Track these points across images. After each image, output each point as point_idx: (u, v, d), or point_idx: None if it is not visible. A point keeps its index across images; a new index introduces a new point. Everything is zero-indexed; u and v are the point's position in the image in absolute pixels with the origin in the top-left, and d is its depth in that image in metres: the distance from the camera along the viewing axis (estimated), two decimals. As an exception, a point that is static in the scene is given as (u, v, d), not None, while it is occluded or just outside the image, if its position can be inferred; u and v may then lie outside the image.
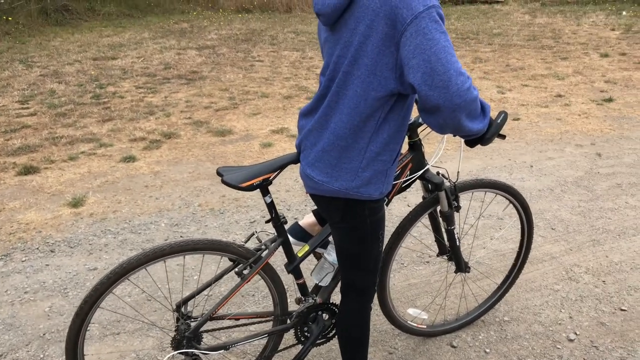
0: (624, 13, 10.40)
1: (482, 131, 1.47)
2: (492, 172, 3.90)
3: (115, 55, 7.87)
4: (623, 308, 2.45)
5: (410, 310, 2.26)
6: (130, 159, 4.19)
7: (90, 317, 1.61)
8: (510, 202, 2.23)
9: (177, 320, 1.75)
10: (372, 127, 1.45)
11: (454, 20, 10.75)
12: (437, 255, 2.23)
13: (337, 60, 1.42)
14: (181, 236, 3.09)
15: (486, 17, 11.01)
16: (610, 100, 5.47)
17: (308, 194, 1.66)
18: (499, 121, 1.60)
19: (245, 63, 7.48)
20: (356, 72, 1.37)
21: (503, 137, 1.73)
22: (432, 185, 2.00)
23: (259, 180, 1.71)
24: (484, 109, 1.46)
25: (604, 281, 2.65)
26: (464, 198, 3.28)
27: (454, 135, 1.46)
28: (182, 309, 1.75)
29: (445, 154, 4.09)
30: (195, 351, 1.76)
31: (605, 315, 2.40)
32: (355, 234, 1.64)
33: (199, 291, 1.78)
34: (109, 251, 2.94)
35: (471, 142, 1.59)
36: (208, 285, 1.76)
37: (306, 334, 1.97)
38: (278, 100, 5.73)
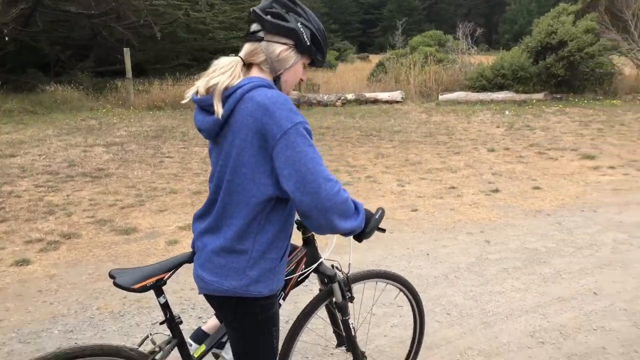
0: (507, 112, 11.61)
1: (358, 228, 1.62)
2: (392, 261, 4.09)
3: (14, 153, 7.62)
4: (511, 388, 2.59)
5: None
6: (23, 262, 3.99)
7: None
8: (400, 290, 2.37)
9: None
10: (255, 228, 1.56)
11: (359, 119, 11.48)
12: (336, 347, 2.30)
13: (220, 170, 1.58)
14: (75, 343, 2.94)
15: (387, 116, 11.85)
16: (496, 191, 5.99)
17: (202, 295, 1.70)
18: (377, 217, 1.77)
19: (155, 159, 7.49)
20: (237, 180, 1.53)
21: (383, 230, 1.90)
22: (326, 278, 2.10)
23: (153, 281, 1.73)
24: (357, 207, 1.62)
25: (493, 363, 2.80)
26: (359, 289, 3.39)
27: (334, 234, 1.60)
28: None
29: (342, 246, 4.27)
30: None
31: (496, 396, 2.53)
32: (248, 331, 1.69)
33: None
34: (-7, 363, 2.73)
35: (355, 236, 1.72)
36: None
37: None
38: (187, 196, 5.76)
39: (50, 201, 5.47)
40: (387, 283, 2.34)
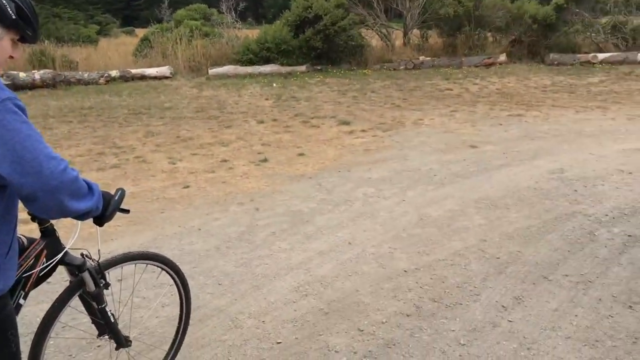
0: (275, 85, 12.18)
1: (94, 209, 1.58)
2: (163, 241, 4.05)
3: None
4: (279, 341, 2.82)
5: None
6: None
7: None
8: (162, 268, 2.38)
9: None
10: None
11: (126, 97, 10.88)
12: (98, 337, 2.22)
13: None
14: None
15: (157, 92, 11.46)
16: (265, 160, 6.29)
17: None
18: (116, 198, 1.76)
19: None
20: None
21: (127, 211, 1.87)
22: (75, 268, 2.00)
23: None
24: (90, 187, 1.56)
25: (263, 321, 3.00)
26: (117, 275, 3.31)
27: (69, 218, 1.52)
28: None
29: (101, 233, 4.10)
30: None
31: (265, 352, 2.72)
32: None
33: None
34: None
35: (95, 220, 1.68)
36: None
37: None
38: None
39: None
40: (147, 264, 2.32)
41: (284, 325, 2.96)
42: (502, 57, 15.03)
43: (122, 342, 2.23)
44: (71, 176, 1.43)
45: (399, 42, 16.72)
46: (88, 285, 2.02)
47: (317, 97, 10.72)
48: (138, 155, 6.52)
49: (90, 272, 2.02)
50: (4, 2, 1.45)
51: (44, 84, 11.84)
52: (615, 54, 14.89)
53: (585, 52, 15.28)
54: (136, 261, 2.26)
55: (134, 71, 13.35)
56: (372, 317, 3.01)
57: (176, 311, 2.78)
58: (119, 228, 4.30)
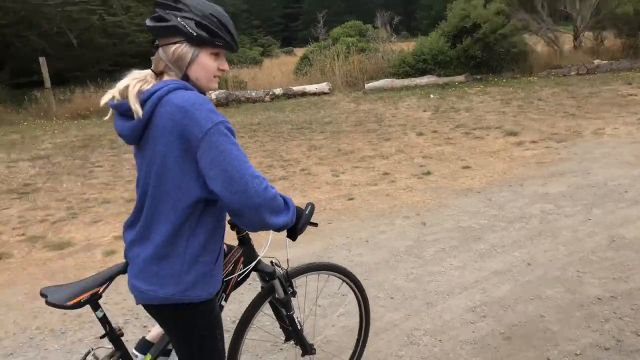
0: (432, 96, 11.99)
1: (290, 222, 1.64)
2: (333, 251, 4.15)
3: None
4: (458, 362, 2.71)
5: None
6: (-51, 290, 3.74)
7: None
8: (342, 280, 2.43)
9: None
10: (187, 232, 1.54)
11: (289, 113, 11.48)
12: (285, 342, 2.32)
13: (146, 176, 1.57)
14: (15, 369, 2.80)
15: (317, 108, 11.93)
16: (428, 173, 6.19)
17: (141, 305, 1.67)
18: (307, 212, 1.83)
19: (84, 170, 7.19)
20: (163, 186, 1.52)
21: (315, 224, 1.93)
22: (266, 275, 2.11)
23: (87, 296, 1.69)
24: (286, 203, 1.62)
25: (440, 340, 2.91)
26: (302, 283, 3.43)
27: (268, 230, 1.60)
28: None
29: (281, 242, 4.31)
30: None
31: (444, 372, 2.63)
32: (191, 337, 1.68)
33: None
34: None
35: (288, 233, 1.77)
36: None
37: None
38: (121, 205, 5.57)
39: (-29, 223, 5.15)
40: (329, 274, 2.38)
41: (462, 347, 2.84)
42: (696, 57, 13.18)
43: (307, 349, 2.31)
44: (271, 194, 1.50)
45: (568, 46, 15.51)
46: (278, 292, 2.13)
47: (478, 107, 10.32)
48: (303, 168, 6.81)
49: (280, 280, 2.12)
50: (182, 23, 1.51)
51: (219, 103, 12.98)
52: None
53: None
54: (320, 271, 2.34)
55: (295, 88, 14.06)
56: (563, 347, 2.76)
57: (353, 321, 2.82)
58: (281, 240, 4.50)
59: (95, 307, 1.72)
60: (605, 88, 11.13)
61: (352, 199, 5.49)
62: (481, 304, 3.26)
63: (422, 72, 13.89)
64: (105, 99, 1.59)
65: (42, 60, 12.68)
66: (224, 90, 13.43)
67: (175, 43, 1.54)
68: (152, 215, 1.56)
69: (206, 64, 1.57)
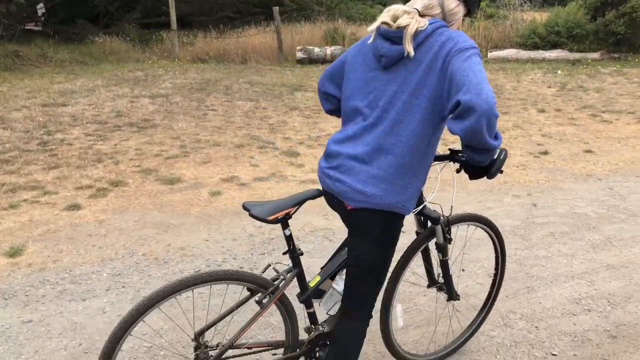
0: (559, 72, 11.11)
1: (492, 149, 1.64)
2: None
3: (65, 102, 7.80)
4: (554, 353, 2.55)
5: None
6: (74, 207, 4.12)
7: (121, 344, 1.68)
8: (488, 234, 2.46)
9: (196, 349, 1.86)
10: (424, 148, 1.71)
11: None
12: (428, 287, 2.41)
13: (393, 95, 1.70)
14: (123, 286, 3.04)
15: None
16: (546, 153, 5.79)
17: (350, 209, 1.80)
18: (501, 157, 1.79)
19: (199, 112, 7.54)
20: (416, 101, 1.66)
21: (502, 172, 1.87)
22: (430, 220, 2.17)
23: (283, 214, 1.87)
24: (497, 134, 1.64)
25: (536, 327, 2.76)
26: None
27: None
28: (200, 339, 1.85)
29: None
30: None
31: (537, 360, 2.49)
32: (386, 245, 1.84)
33: (217, 321, 1.90)
34: (46, 302, 2.87)
35: (476, 174, 1.83)
36: (226, 314, 1.89)
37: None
38: (229, 149, 5.79)
39: (99, 150, 5.61)
40: (477, 226, 2.41)
41: (560, 337, 2.67)
42: None
43: (453, 295, 2.38)
44: (496, 111, 1.54)
45: None
46: (438, 237, 2.22)
47: (610, 88, 9.42)
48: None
49: (442, 226, 2.20)
50: None
51: (333, 59, 12.95)
52: None
53: None
54: (471, 222, 2.37)
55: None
56: (678, 356, 2.50)
57: (488, 275, 2.85)
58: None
59: (285, 225, 1.90)
60: None
61: (460, 170, 5.28)
62: (587, 297, 3.03)
63: (553, 45, 12.88)
64: (373, 26, 1.77)
65: (171, 2, 13.30)
66: (340, 47, 13.35)
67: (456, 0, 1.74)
68: (392, 129, 1.70)
69: (459, 23, 1.81)
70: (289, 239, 1.92)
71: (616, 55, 12.51)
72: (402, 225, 1.84)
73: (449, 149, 2.06)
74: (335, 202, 1.87)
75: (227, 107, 7.95)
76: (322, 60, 12.97)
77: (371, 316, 1.96)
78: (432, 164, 1.89)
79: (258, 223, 3.94)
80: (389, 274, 2.02)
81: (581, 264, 3.40)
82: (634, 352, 2.54)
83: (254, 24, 16.01)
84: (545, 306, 2.94)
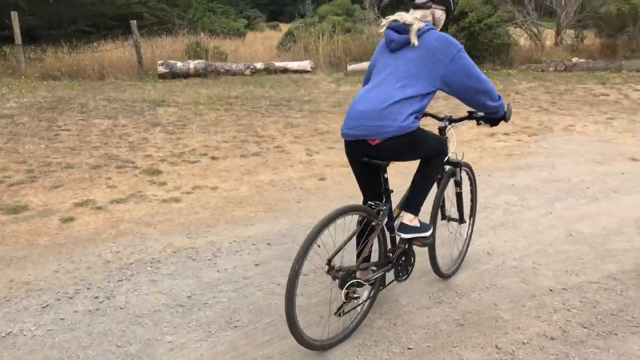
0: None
1: (498, 107, 2.81)
2: (299, 230, 4.12)
3: None
4: (410, 347, 2.72)
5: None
6: None
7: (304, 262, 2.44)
8: (469, 175, 3.48)
9: (328, 271, 2.58)
10: (415, 100, 2.60)
11: (268, 88, 11.35)
12: (442, 219, 3.29)
13: (396, 67, 2.64)
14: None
15: (297, 86, 11.82)
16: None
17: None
18: (510, 107, 2.94)
19: (49, 133, 7.00)
20: (411, 75, 2.60)
21: (506, 120, 2.96)
22: (452, 164, 3.20)
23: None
24: (498, 98, 2.81)
25: (394, 324, 2.92)
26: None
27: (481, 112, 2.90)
28: (331, 263, 2.57)
29: (242, 218, 4.24)
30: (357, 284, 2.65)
31: (395, 356, 2.64)
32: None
33: (340, 248, 2.62)
34: None
35: (494, 123, 2.98)
36: (346, 242, 2.65)
37: (399, 268, 2.97)
38: (84, 171, 5.45)
39: None
40: (465, 170, 3.38)
41: (415, 331, 2.85)
42: (672, 62, 13.37)
43: (463, 219, 3.41)
44: (492, 87, 2.72)
45: (549, 41, 15.61)
46: (457, 175, 3.23)
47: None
48: (278, 145, 6.75)
49: (460, 167, 3.25)
50: (452, 1, 2.79)
51: (197, 73, 12.76)
52: None
53: None
54: (465, 167, 3.37)
55: (277, 64, 13.89)
56: (512, 335, 2.79)
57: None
58: (258, 214, 4.47)
59: (384, 171, 2.76)
60: (579, 86, 11.25)
61: (323, 179, 5.46)
62: (438, 290, 3.27)
63: (405, 57, 13.82)
64: (385, 21, 2.72)
65: (14, 14, 12.22)
66: (203, 61, 13.19)
67: (441, 10, 2.73)
68: (392, 88, 2.59)
69: (441, 27, 2.78)
70: (384, 180, 2.78)
71: (460, 66, 13.73)
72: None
73: (467, 112, 2.99)
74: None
75: (82, 126, 7.48)
76: (186, 75, 12.71)
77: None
78: (454, 125, 3.15)
79: (116, 248, 3.75)
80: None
81: (433, 260, 3.67)
82: (478, 337, 2.79)
83: (111, 38, 15.26)
84: (401, 303, 3.13)
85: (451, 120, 3.13)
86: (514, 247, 3.85)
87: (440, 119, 3.14)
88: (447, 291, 3.26)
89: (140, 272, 3.40)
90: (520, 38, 15.57)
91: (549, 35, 15.86)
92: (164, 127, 7.59)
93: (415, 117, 2.58)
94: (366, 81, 2.90)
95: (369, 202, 2.84)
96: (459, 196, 3.28)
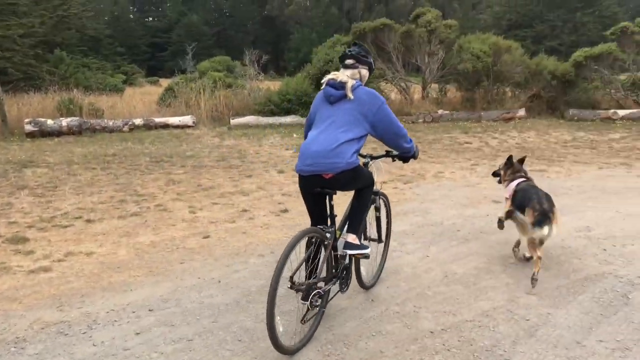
0: (295, 135, 12.30)
1: (411, 149, 3.56)
2: (182, 292, 3.98)
3: None
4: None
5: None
6: None
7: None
8: (384, 202, 4.18)
9: (291, 286, 3.02)
10: (354, 142, 3.25)
11: (148, 145, 11.05)
12: (363, 240, 3.79)
13: (335, 117, 3.26)
14: None
15: (179, 141, 11.64)
16: (286, 211, 6.26)
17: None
18: (417, 149, 3.68)
19: None
20: (347, 123, 3.24)
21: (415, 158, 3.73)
22: (374, 194, 3.77)
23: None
24: (410, 140, 3.53)
25: (284, 382, 2.89)
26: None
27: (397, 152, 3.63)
28: (293, 279, 2.99)
29: (120, 284, 4.03)
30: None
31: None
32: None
33: (298, 266, 3.07)
34: None
35: (406, 160, 3.70)
36: (302, 262, 3.15)
37: (342, 281, 3.59)
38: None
39: None
40: (380, 197, 4.04)
41: (305, 387, 2.84)
42: (521, 112, 15.07)
43: (381, 239, 4.11)
44: (406, 133, 3.46)
45: (417, 95, 16.91)
46: (377, 202, 3.95)
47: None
48: (159, 204, 6.54)
49: (379, 196, 3.98)
50: (371, 61, 3.49)
51: (70, 131, 12.12)
52: (635, 110, 14.84)
53: (605, 109, 15.26)
54: (381, 197, 4.04)
55: (157, 120, 13.62)
56: (398, 381, 2.88)
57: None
58: (138, 278, 4.25)
59: (331, 198, 3.41)
60: (446, 135, 12.26)
61: (207, 236, 5.35)
62: (327, 343, 3.30)
63: (287, 112, 14.23)
64: (326, 79, 3.36)
65: None
66: (77, 118, 12.58)
67: (367, 68, 3.44)
68: (336, 132, 3.20)
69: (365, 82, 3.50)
70: (332, 207, 3.41)
71: (339, 119, 14.38)
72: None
73: (385, 151, 3.71)
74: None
75: None
76: (58, 133, 12.04)
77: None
78: (376, 160, 3.85)
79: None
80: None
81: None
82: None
83: (-30, 95, 14.06)
84: (291, 358, 3.11)
85: (372, 157, 3.81)
86: (395, 293, 4.01)
87: (363, 156, 3.73)
88: (335, 343, 3.29)
89: (2, 354, 3.07)
90: (392, 93, 16.71)
91: (417, 90, 17.20)
92: (32, 190, 7.07)
93: (356, 155, 3.22)
94: (308, 127, 3.47)
95: (318, 226, 3.33)
96: (378, 219, 3.96)
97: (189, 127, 13.56)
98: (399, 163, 4.00)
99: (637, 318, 3.54)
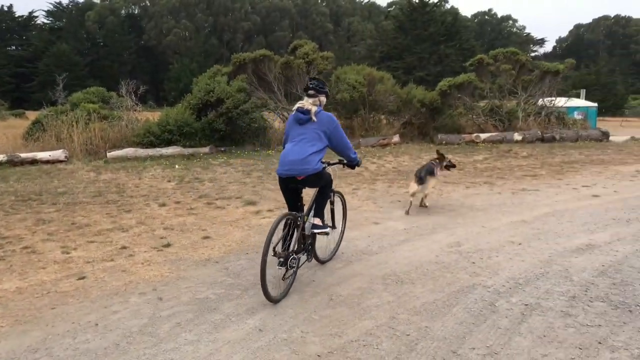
0: (177, 166, 11.98)
1: (355, 159, 4.96)
2: (54, 340, 3.67)
3: None
4: None
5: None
6: None
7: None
8: (340, 199, 5.63)
9: (274, 254, 4.30)
10: (320, 152, 4.58)
11: (13, 182, 10.17)
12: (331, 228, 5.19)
13: (304, 135, 4.54)
14: None
15: (50, 177, 10.84)
16: (168, 245, 6.06)
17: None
18: (360, 159, 5.08)
19: None
20: (313, 139, 4.54)
21: (355, 167, 5.12)
22: (332, 192, 5.20)
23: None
24: (355, 153, 4.94)
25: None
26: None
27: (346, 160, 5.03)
28: (275, 250, 4.28)
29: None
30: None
31: None
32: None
33: (280, 240, 4.43)
34: None
35: (352, 167, 5.08)
36: (285, 236, 4.49)
37: (308, 253, 4.92)
38: None
39: None
40: (336, 194, 5.40)
41: None
42: (396, 138, 16.00)
43: (334, 225, 5.31)
44: (352, 147, 4.89)
45: (300, 124, 17.27)
46: (332, 197, 5.23)
47: (221, 177, 10.66)
48: (26, 246, 6.02)
49: (334, 193, 5.25)
50: (327, 90, 4.84)
51: None
52: (494, 133, 16.39)
53: (469, 132, 16.69)
54: (337, 193, 5.43)
55: (23, 155, 12.61)
56: (287, 408, 2.88)
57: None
58: (2, 329, 3.87)
59: (300, 192, 4.82)
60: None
61: (83, 277, 5.01)
62: (214, 378, 3.22)
63: (168, 143, 13.85)
64: (296, 106, 4.61)
65: None
66: None
67: (324, 95, 4.70)
68: (306, 146, 4.49)
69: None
70: (301, 199, 4.75)
71: (222, 149, 14.31)
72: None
73: (338, 159, 5.04)
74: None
75: None
76: None
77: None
78: (333, 167, 5.03)
79: None
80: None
81: (206, 347, 3.61)
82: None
83: None
84: (176, 399, 2.99)
85: (329, 164, 4.94)
86: (282, 320, 4.03)
87: (323, 163, 4.68)
88: (222, 376, 3.22)
89: None
90: (275, 121, 16.95)
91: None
92: None
93: (321, 162, 4.55)
94: (285, 142, 4.69)
95: (292, 212, 4.60)
96: (332, 210, 5.25)
97: (60, 162, 12.70)
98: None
99: (503, 324, 3.87)
